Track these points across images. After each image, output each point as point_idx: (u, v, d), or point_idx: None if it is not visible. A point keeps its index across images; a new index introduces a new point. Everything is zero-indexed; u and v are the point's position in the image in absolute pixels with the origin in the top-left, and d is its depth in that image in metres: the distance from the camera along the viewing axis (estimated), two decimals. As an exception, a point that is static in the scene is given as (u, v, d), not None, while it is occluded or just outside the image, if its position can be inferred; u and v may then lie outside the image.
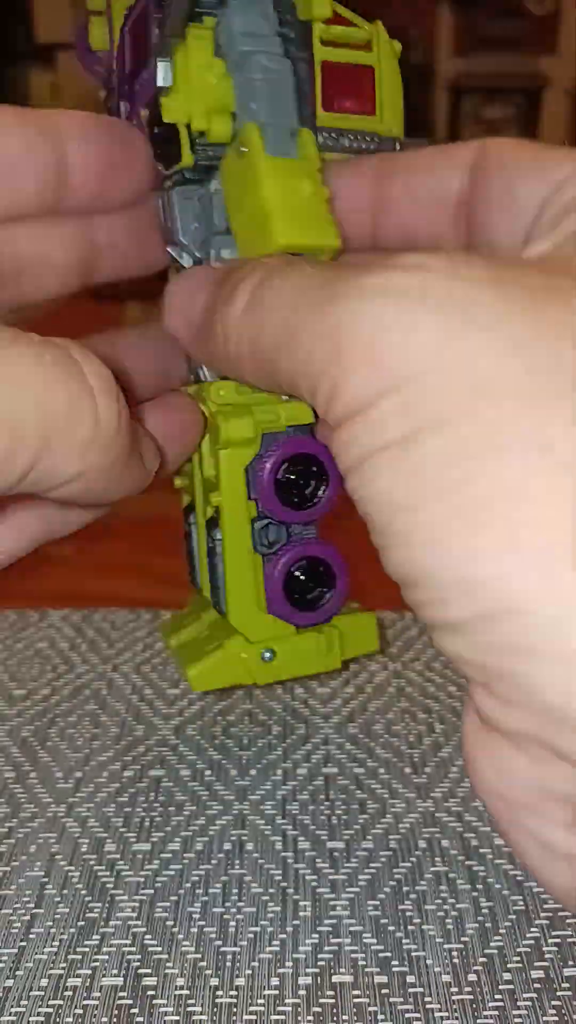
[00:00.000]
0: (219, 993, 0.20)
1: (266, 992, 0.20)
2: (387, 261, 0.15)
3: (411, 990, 0.20)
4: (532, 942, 0.21)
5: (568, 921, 0.21)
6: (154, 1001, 0.19)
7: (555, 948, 0.21)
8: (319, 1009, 0.19)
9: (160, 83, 0.20)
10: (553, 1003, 0.19)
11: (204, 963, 0.20)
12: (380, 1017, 0.19)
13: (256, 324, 0.17)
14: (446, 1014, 0.19)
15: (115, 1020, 0.19)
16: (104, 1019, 0.19)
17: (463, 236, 0.20)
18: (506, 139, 0.19)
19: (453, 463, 0.13)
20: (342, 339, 0.14)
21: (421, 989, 0.20)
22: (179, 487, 0.25)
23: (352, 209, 0.21)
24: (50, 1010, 0.19)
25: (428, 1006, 0.19)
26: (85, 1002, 0.19)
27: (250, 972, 0.20)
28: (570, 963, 0.20)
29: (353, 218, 0.21)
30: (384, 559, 0.15)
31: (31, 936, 0.21)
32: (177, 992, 0.20)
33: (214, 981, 0.20)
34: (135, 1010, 0.19)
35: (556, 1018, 0.19)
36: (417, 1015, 0.19)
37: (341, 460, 0.15)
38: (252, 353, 0.17)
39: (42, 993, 0.20)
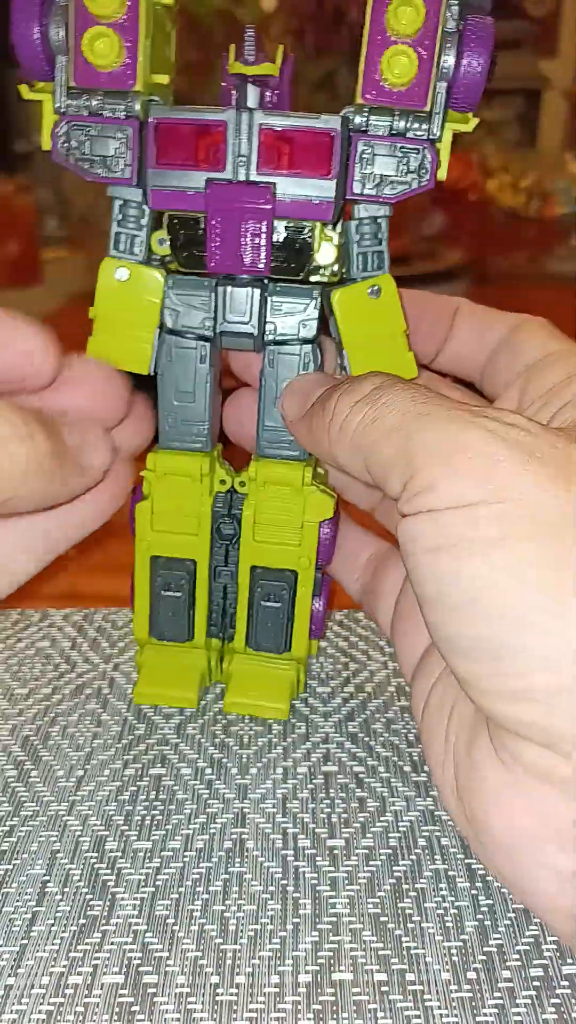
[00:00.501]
0: (219, 991, 0.20)
1: (266, 990, 0.20)
2: (500, 413, 0.19)
3: (411, 988, 0.20)
4: (531, 940, 0.21)
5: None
6: (155, 999, 0.20)
7: (554, 946, 0.21)
8: (319, 1007, 0.19)
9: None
10: (552, 1001, 0.19)
11: (204, 961, 0.20)
12: (380, 1015, 0.19)
13: (367, 419, 0.20)
14: (446, 1012, 0.19)
15: (116, 1018, 0.19)
16: (105, 1017, 0.19)
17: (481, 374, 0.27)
18: (542, 321, 0.26)
19: (548, 564, 0.17)
20: (456, 452, 0.18)
21: (421, 987, 0.20)
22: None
23: (433, 332, 0.28)
24: (51, 1008, 0.19)
25: (428, 1004, 0.19)
26: (86, 1000, 0.19)
27: (250, 970, 0.20)
28: (569, 961, 0.20)
29: (432, 338, 0.28)
30: (452, 632, 0.19)
31: (32, 934, 0.21)
32: (178, 990, 0.20)
33: (214, 979, 0.20)
34: (136, 1008, 0.19)
35: (555, 1016, 0.19)
36: (417, 1013, 0.19)
37: (424, 538, 0.19)
38: (354, 442, 0.21)
39: (43, 991, 0.20)
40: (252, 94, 0.24)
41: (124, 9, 0.23)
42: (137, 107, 0.23)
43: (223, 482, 0.28)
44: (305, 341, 0.26)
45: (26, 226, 0.77)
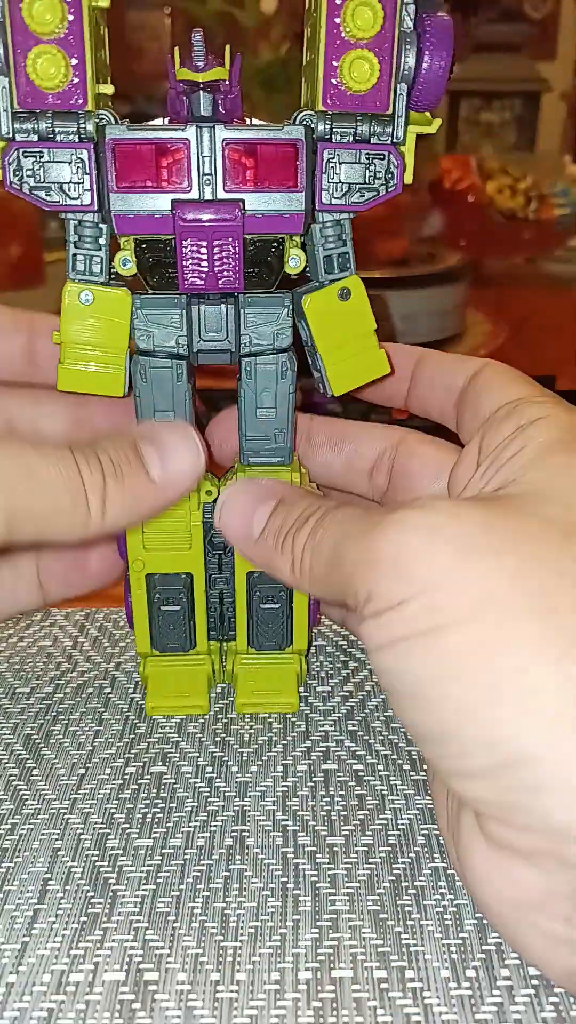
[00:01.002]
0: (220, 987, 0.20)
1: (266, 987, 0.20)
2: (404, 505, 0.20)
3: (410, 985, 0.20)
4: (530, 937, 0.21)
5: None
6: (156, 996, 0.20)
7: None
8: (319, 1004, 0.19)
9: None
10: (551, 999, 0.19)
11: (205, 958, 0.20)
12: (379, 1011, 0.19)
13: (316, 557, 0.22)
14: (445, 1009, 0.19)
15: (117, 1015, 0.19)
16: (106, 1015, 0.19)
17: (453, 419, 0.27)
18: (501, 366, 0.26)
19: (473, 652, 0.18)
20: (377, 559, 0.20)
21: (420, 984, 0.20)
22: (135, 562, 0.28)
23: (398, 378, 0.28)
24: (52, 1005, 0.19)
25: (427, 1001, 0.19)
26: (87, 997, 0.20)
27: (251, 967, 0.20)
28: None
29: (396, 384, 0.29)
30: (409, 720, 0.20)
31: (34, 931, 0.21)
32: (178, 987, 0.20)
33: (215, 976, 0.20)
34: (136, 1005, 0.19)
35: (554, 1014, 0.19)
36: (416, 1010, 0.19)
37: (373, 640, 0.20)
38: (312, 572, 0.22)
39: (44, 988, 0.20)
40: (204, 102, 0.22)
41: (66, 24, 0.21)
42: (90, 127, 0.22)
43: (209, 492, 0.28)
44: (280, 350, 0.26)
45: (28, 227, 0.77)
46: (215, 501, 0.28)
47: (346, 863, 0.23)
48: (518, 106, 1.71)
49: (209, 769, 0.26)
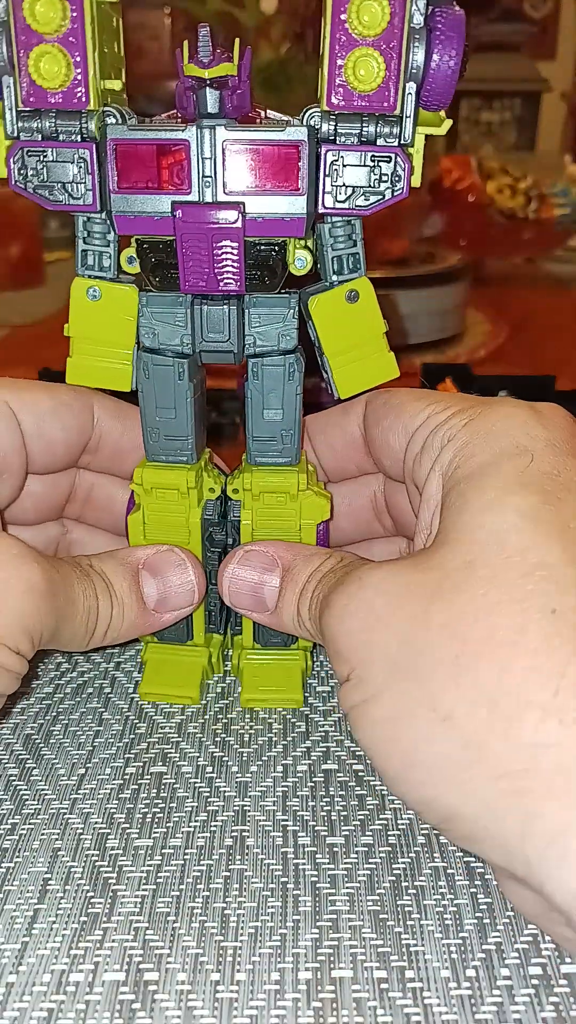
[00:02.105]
0: (220, 987, 0.20)
1: (266, 987, 0.20)
2: (343, 581, 0.23)
3: (410, 985, 0.20)
4: (530, 938, 0.21)
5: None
6: (155, 996, 0.20)
7: (553, 944, 0.21)
8: (319, 1004, 0.19)
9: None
10: (551, 999, 0.19)
11: (205, 958, 0.20)
12: (379, 1012, 0.19)
13: (314, 626, 0.24)
14: (445, 1009, 0.19)
15: (117, 1015, 0.19)
16: (106, 1014, 0.19)
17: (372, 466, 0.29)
18: (382, 393, 0.27)
19: (388, 721, 0.20)
20: (326, 640, 0.23)
21: (420, 984, 0.20)
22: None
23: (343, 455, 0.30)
24: (52, 1005, 0.19)
25: (427, 1001, 0.19)
26: (87, 997, 0.20)
27: (251, 967, 0.20)
28: (567, 959, 0.20)
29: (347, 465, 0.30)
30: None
31: (34, 931, 0.21)
32: (178, 987, 0.20)
33: (215, 976, 0.20)
34: (136, 1005, 0.19)
35: (554, 1013, 0.19)
36: (416, 1010, 0.19)
37: (342, 708, 0.22)
38: (312, 629, 0.25)
39: (45, 988, 0.20)
40: (211, 99, 0.22)
41: (68, 22, 0.21)
42: (92, 127, 0.22)
43: (212, 490, 0.28)
44: (286, 352, 0.26)
45: (28, 227, 0.77)
46: (217, 499, 0.28)
47: (346, 863, 0.23)
48: (518, 106, 1.71)
49: (209, 769, 0.26)
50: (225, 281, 0.23)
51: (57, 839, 0.24)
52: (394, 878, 0.23)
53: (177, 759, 0.27)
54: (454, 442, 0.23)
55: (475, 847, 0.19)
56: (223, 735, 0.28)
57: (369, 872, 0.23)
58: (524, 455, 0.22)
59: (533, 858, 0.17)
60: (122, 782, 0.26)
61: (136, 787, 0.26)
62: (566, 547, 0.20)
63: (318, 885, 0.22)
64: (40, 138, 0.22)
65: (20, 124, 0.22)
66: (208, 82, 0.22)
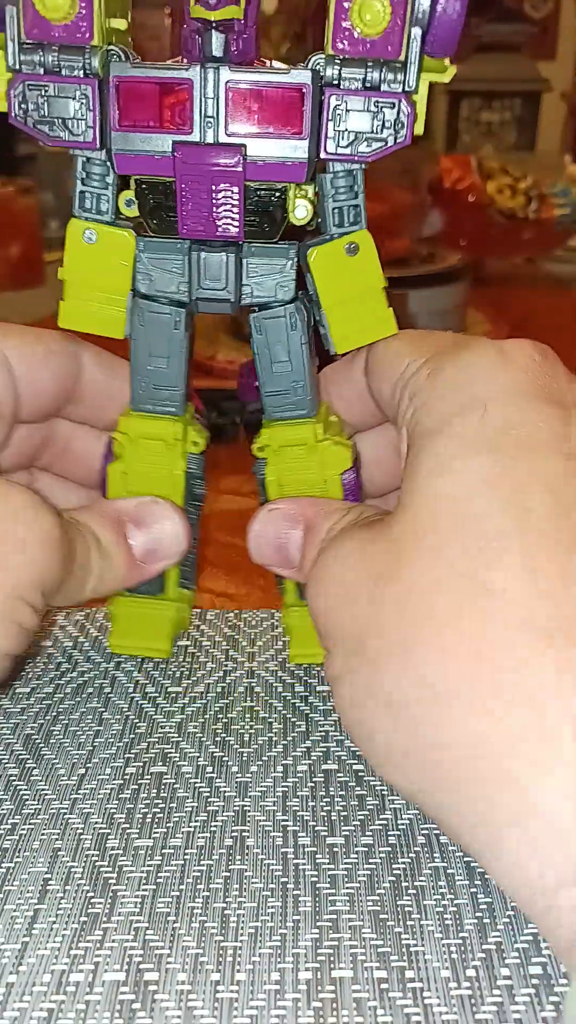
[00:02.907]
0: (220, 988, 0.20)
1: (266, 987, 0.20)
2: (320, 557, 0.23)
3: (410, 985, 0.20)
4: (530, 937, 0.21)
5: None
6: (156, 996, 0.20)
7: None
8: (319, 1004, 0.19)
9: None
10: (551, 998, 0.19)
11: (205, 958, 0.20)
12: (379, 1012, 0.19)
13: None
14: (445, 1009, 0.19)
15: (117, 1015, 0.19)
16: (106, 1014, 0.19)
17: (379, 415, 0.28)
18: (381, 341, 0.26)
19: (353, 706, 0.21)
20: (312, 613, 0.23)
21: (420, 984, 0.20)
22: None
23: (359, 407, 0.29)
24: (52, 1005, 0.19)
25: (427, 1001, 0.19)
26: (87, 997, 0.20)
27: (251, 967, 0.20)
28: (568, 958, 0.20)
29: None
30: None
31: (34, 931, 0.21)
32: (178, 987, 0.20)
33: (215, 976, 0.20)
34: (136, 1005, 0.19)
35: (554, 1013, 0.19)
36: (416, 1010, 0.19)
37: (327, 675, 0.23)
38: None
39: (44, 988, 0.20)
40: (216, 42, 0.22)
41: None
42: (96, 63, 0.22)
43: (195, 443, 0.27)
44: (286, 302, 0.25)
45: (28, 228, 0.77)
46: (201, 453, 0.28)
47: (346, 863, 0.23)
48: (518, 106, 1.71)
49: (209, 769, 0.26)
50: (224, 226, 0.23)
51: (57, 839, 0.24)
52: (394, 878, 0.23)
53: (177, 759, 0.27)
54: (418, 396, 0.23)
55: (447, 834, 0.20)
56: (223, 735, 0.28)
57: (369, 872, 0.23)
58: (477, 409, 0.21)
59: (475, 850, 0.18)
60: (122, 782, 0.26)
61: (136, 787, 0.26)
62: (517, 515, 0.18)
63: (318, 885, 0.22)
64: (42, 72, 0.22)
65: (23, 57, 0.22)
66: (214, 24, 0.21)
